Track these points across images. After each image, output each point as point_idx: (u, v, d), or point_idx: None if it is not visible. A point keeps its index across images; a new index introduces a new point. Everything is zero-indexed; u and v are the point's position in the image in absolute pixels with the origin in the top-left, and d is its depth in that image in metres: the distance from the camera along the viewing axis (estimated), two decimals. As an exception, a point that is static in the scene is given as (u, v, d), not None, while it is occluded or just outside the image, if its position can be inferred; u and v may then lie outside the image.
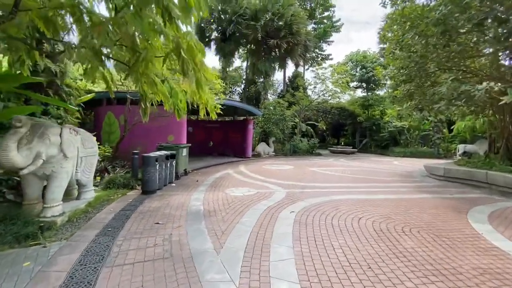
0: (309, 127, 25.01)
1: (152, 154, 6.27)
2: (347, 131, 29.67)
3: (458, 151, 16.49)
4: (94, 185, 6.70)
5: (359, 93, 30.07)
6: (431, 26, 6.27)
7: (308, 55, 32.43)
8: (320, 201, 5.77)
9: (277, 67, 22.53)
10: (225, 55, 20.82)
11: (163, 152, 7.23)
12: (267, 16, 18.19)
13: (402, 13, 7.77)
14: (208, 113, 5.00)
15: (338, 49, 58.37)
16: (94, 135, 8.73)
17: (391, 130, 22.26)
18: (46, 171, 3.93)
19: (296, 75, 27.55)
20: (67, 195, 5.18)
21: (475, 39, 6.41)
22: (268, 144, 18.40)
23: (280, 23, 18.74)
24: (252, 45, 21.29)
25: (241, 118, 16.92)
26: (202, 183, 7.64)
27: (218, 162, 12.97)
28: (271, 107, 19.52)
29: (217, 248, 3.28)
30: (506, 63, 7.76)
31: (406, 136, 21.44)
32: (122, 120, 8.73)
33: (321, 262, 2.98)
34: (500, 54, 6.70)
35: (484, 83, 6.06)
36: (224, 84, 14.20)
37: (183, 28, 2.98)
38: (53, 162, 3.97)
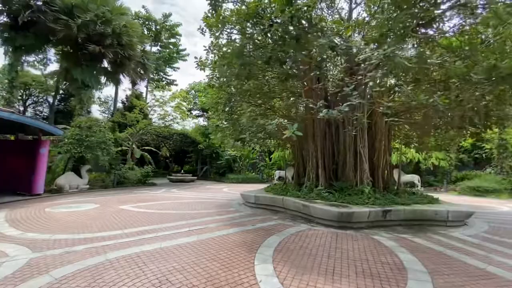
0: (146, 153, 22.29)
1: None
2: (191, 158, 29.24)
3: (275, 176, 19.67)
4: None
5: (202, 121, 31.05)
6: (234, 58, 6.43)
7: (152, 76, 30.31)
8: (81, 267, 3.78)
9: (104, 80, 18.79)
10: (17, 49, 14.85)
11: None
12: (88, 17, 14.82)
13: (218, 44, 7.86)
14: None
15: (191, 80, 60.76)
16: None
17: (227, 158, 23.80)
18: None
19: (134, 95, 24.57)
20: None
21: (267, 76, 7.28)
22: (80, 175, 14.02)
23: (107, 29, 15.83)
24: (68, 47, 16.71)
25: (30, 137, 11.93)
26: None
27: (-44, 207, 7.79)
28: (94, 127, 15.18)
29: None
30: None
31: (238, 163, 23.52)
32: None
33: None
34: (287, 95, 7.94)
35: (276, 119, 6.69)
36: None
37: None
38: None
